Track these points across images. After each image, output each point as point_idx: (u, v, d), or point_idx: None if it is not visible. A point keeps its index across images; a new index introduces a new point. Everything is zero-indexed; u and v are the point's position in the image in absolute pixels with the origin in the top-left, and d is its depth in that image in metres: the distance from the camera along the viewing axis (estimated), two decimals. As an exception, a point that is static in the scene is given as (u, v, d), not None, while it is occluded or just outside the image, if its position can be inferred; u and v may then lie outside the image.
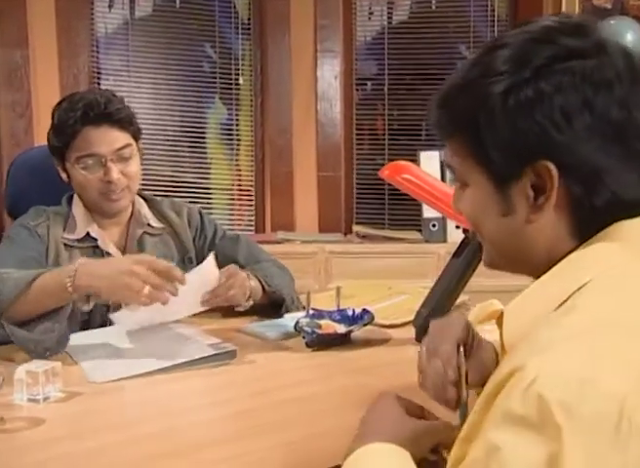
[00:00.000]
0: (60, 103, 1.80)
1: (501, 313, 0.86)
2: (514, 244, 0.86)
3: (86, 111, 1.71)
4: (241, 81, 3.83)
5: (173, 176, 3.75)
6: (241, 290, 1.69)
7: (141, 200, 1.90)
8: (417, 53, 3.79)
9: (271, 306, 1.82)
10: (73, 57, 3.46)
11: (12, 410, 1.20)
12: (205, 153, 3.84)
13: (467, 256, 1.56)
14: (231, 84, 3.82)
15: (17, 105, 3.37)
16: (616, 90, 0.78)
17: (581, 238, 0.81)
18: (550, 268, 0.82)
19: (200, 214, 1.98)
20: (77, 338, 1.60)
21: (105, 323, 1.69)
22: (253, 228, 3.87)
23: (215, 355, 1.46)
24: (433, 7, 3.81)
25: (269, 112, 3.83)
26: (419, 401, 1.05)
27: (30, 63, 3.38)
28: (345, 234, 3.78)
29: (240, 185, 3.90)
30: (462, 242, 1.58)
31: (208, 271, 1.65)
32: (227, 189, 3.90)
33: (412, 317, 1.63)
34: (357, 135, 3.93)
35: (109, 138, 1.74)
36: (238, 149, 3.88)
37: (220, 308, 1.77)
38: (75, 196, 1.85)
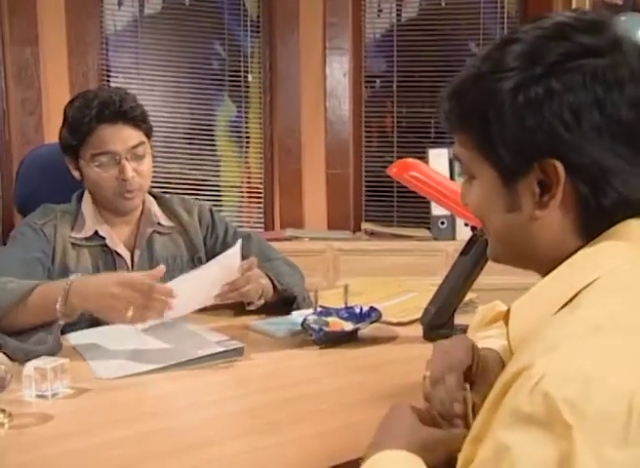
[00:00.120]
0: (72, 101, 1.79)
1: (508, 310, 0.87)
2: (519, 240, 0.86)
3: (101, 109, 1.72)
4: (250, 79, 3.83)
5: (182, 174, 3.75)
6: (256, 285, 1.70)
7: (151, 198, 1.90)
8: (426, 50, 3.78)
9: (281, 304, 1.82)
10: (83, 54, 3.46)
11: (20, 407, 1.21)
12: (214, 151, 3.84)
13: (475, 254, 1.56)
14: (240, 82, 3.82)
15: (27, 103, 3.38)
16: (627, 89, 0.78)
17: (587, 237, 0.81)
18: (556, 266, 0.82)
19: (211, 212, 1.98)
20: (85, 335, 1.61)
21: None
22: (262, 226, 3.87)
23: (222, 352, 1.46)
24: (443, 4, 3.79)
25: (278, 110, 3.83)
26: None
27: (40, 61, 3.38)
28: (354, 231, 3.78)
29: (249, 183, 3.91)
30: (470, 240, 1.59)
31: (232, 261, 1.64)
32: (236, 187, 3.89)
33: (420, 315, 1.64)
34: (366, 132, 3.92)
35: (124, 136, 1.74)
36: (247, 147, 3.88)
37: (232, 306, 1.78)
38: (85, 194, 1.85)
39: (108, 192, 1.77)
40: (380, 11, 3.87)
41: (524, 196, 0.82)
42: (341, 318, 1.65)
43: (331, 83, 3.79)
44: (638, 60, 0.80)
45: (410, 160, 1.75)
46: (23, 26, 3.33)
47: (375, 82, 3.92)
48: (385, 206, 3.90)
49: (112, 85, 3.55)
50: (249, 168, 3.90)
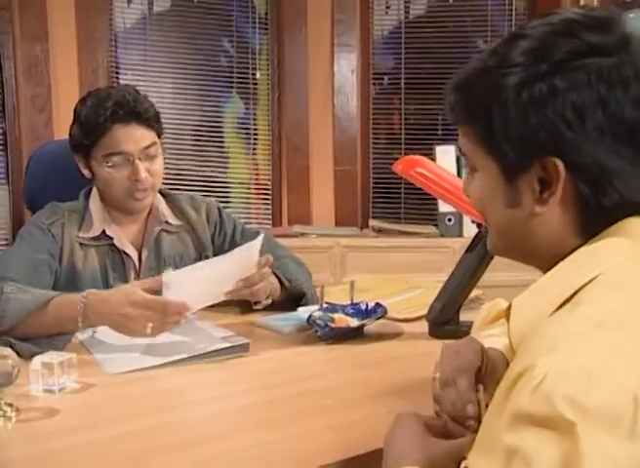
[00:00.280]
0: (84, 100, 1.78)
1: (509, 307, 0.87)
2: (518, 235, 0.86)
3: (116, 109, 1.71)
4: (258, 75, 3.84)
5: (190, 171, 3.76)
6: (266, 284, 1.70)
7: (159, 196, 1.89)
8: (433, 47, 3.78)
9: (288, 300, 1.83)
10: (92, 51, 3.48)
11: (27, 401, 1.22)
12: (222, 147, 3.84)
13: (480, 251, 1.56)
14: (248, 78, 3.83)
15: (37, 99, 3.39)
16: (632, 88, 0.78)
17: (588, 234, 0.81)
18: (557, 263, 0.82)
19: (219, 209, 1.97)
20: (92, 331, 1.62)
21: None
22: (270, 222, 3.88)
23: (228, 348, 1.47)
24: (450, 1, 3.79)
25: (286, 106, 3.84)
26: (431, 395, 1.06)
27: (50, 58, 3.40)
28: (361, 228, 3.79)
29: (257, 179, 3.91)
30: (476, 236, 1.59)
31: (251, 255, 1.63)
32: (244, 183, 3.90)
33: (425, 311, 1.64)
34: (374, 129, 3.92)
35: (137, 137, 1.74)
36: (255, 143, 3.89)
37: (238, 302, 1.78)
38: (93, 191, 1.84)
39: (119, 192, 1.76)
40: (387, 8, 3.87)
41: (524, 192, 0.82)
42: (347, 314, 1.65)
43: (339, 80, 3.80)
44: None
45: (415, 156, 1.75)
46: (34, 23, 3.35)
47: (382, 79, 3.93)
48: (393, 203, 3.90)
49: (121, 82, 3.57)
50: (257, 164, 3.91)
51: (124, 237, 1.82)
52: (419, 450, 0.90)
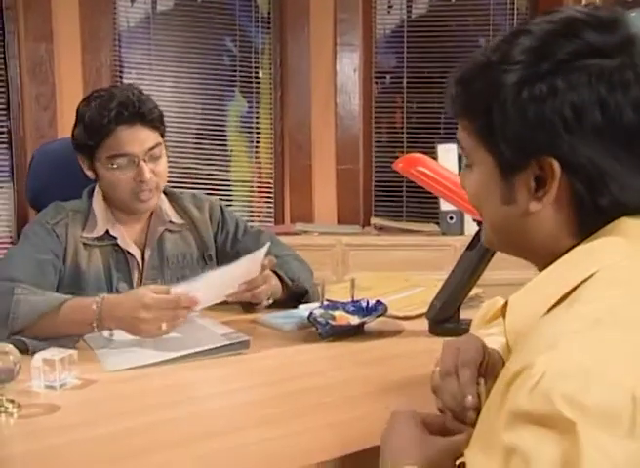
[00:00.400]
0: (87, 101, 1.76)
1: (506, 304, 0.87)
2: (514, 232, 0.86)
3: (120, 111, 1.69)
4: (261, 74, 3.84)
5: (193, 169, 3.77)
6: (268, 286, 1.71)
7: (162, 195, 1.88)
8: (436, 46, 3.78)
9: (290, 299, 1.83)
10: (96, 50, 3.49)
11: (29, 397, 1.23)
12: (225, 146, 3.85)
13: (481, 249, 1.56)
14: (251, 77, 3.84)
15: (41, 98, 3.41)
16: (632, 91, 0.77)
17: (583, 234, 0.81)
18: (553, 261, 0.82)
19: (221, 208, 1.97)
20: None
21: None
22: (272, 220, 3.89)
23: (228, 345, 1.48)
24: (452, 0, 3.80)
25: (289, 105, 3.84)
26: (431, 393, 1.06)
27: (55, 57, 3.41)
28: (363, 226, 3.79)
29: (260, 178, 3.92)
30: (477, 234, 1.59)
31: (255, 262, 1.65)
32: (247, 181, 3.91)
33: (426, 309, 1.64)
34: (376, 128, 3.93)
35: (142, 138, 1.72)
36: (258, 142, 3.90)
37: (240, 302, 1.78)
38: (96, 190, 1.84)
39: (124, 194, 1.76)
40: (390, 7, 3.87)
41: (520, 189, 0.82)
42: (348, 312, 1.65)
43: (341, 79, 3.80)
44: None
45: (416, 155, 1.75)
46: (38, 22, 3.36)
47: (385, 78, 3.93)
48: (395, 201, 3.91)
49: (125, 81, 3.58)
50: (259, 163, 3.91)
51: (127, 237, 1.82)
52: (416, 449, 0.89)
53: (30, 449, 1.07)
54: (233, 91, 3.83)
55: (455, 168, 3.32)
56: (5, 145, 3.43)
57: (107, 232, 1.79)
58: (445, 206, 3.36)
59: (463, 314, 1.61)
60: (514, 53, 0.80)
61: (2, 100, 3.41)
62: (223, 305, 1.69)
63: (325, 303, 1.69)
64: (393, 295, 1.87)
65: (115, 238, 1.79)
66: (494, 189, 0.85)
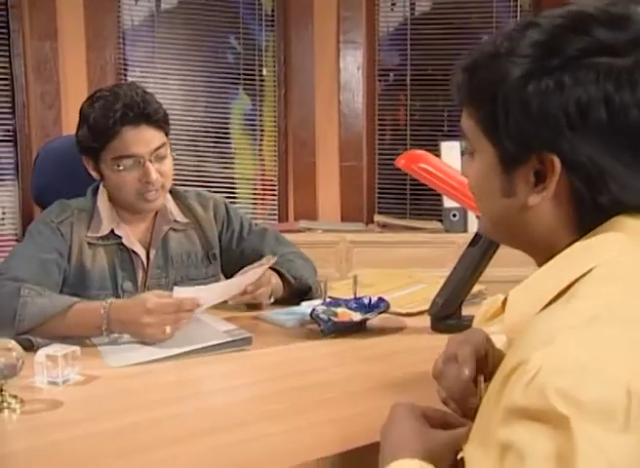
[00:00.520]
0: (90, 101, 1.75)
1: (505, 299, 0.87)
2: (511, 225, 0.86)
3: (125, 112, 1.68)
4: (265, 72, 3.85)
5: (197, 167, 3.78)
6: (267, 288, 1.72)
7: (167, 194, 1.87)
8: (439, 43, 3.77)
9: (293, 296, 1.84)
10: (101, 49, 3.49)
11: (32, 393, 1.23)
12: (229, 144, 3.86)
13: (483, 246, 1.56)
14: (255, 75, 3.84)
15: (46, 96, 3.41)
16: (639, 91, 0.76)
17: (582, 230, 0.81)
18: (552, 257, 0.82)
19: (226, 206, 1.97)
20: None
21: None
22: (276, 218, 3.90)
23: (230, 342, 1.49)
24: (455, -3, 3.80)
25: (293, 103, 3.85)
26: (432, 389, 1.06)
27: (59, 55, 3.42)
28: (367, 223, 3.79)
29: (263, 175, 3.92)
30: (479, 231, 1.59)
31: (257, 273, 1.67)
32: (251, 179, 3.92)
33: (428, 306, 1.64)
34: (379, 125, 3.93)
35: (147, 138, 1.72)
36: (262, 140, 3.90)
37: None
38: (101, 189, 1.84)
39: (130, 194, 1.75)
40: (393, 4, 3.87)
41: (519, 183, 0.82)
42: (350, 308, 1.66)
43: (345, 76, 3.81)
44: None
45: (418, 151, 1.76)
46: (43, 21, 3.37)
47: (388, 75, 3.93)
48: (398, 198, 3.91)
49: (129, 79, 3.59)
50: (263, 160, 3.92)
51: (132, 236, 1.81)
52: (417, 441, 0.89)
53: (33, 445, 1.07)
54: (237, 88, 3.84)
55: (458, 165, 3.31)
56: (10, 143, 3.44)
57: (112, 231, 1.79)
58: (448, 203, 3.36)
59: (466, 311, 1.61)
60: (522, 45, 0.79)
61: (7, 99, 3.41)
62: (226, 303, 1.70)
63: (327, 300, 1.70)
64: (396, 292, 1.88)
65: (120, 237, 1.79)
66: (494, 181, 0.85)
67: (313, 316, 1.60)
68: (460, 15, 3.78)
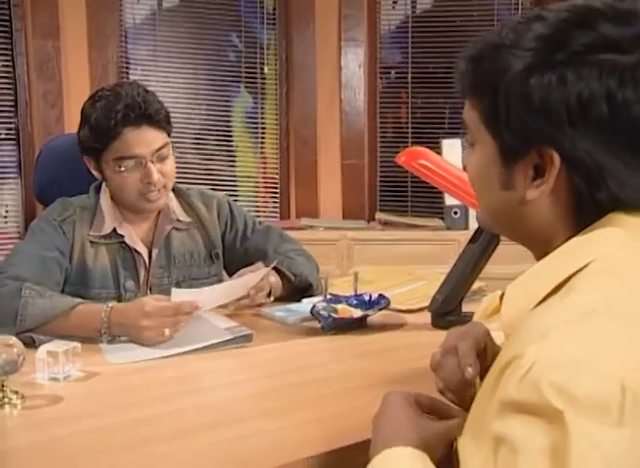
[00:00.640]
0: (93, 103, 1.73)
1: (503, 294, 0.87)
2: (510, 218, 0.86)
3: (127, 113, 1.67)
4: (266, 70, 3.85)
5: (199, 165, 3.78)
6: (264, 292, 1.74)
7: (170, 193, 1.86)
8: (440, 41, 3.77)
9: (294, 293, 1.84)
10: (103, 47, 3.50)
11: (33, 389, 1.24)
12: (230, 142, 3.86)
13: (483, 242, 1.57)
14: (257, 73, 3.84)
15: (48, 95, 3.42)
16: None
17: (579, 226, 0.81)
18: (549, 252, 0.82)
19: (229, 205, 1.97)
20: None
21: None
22: (277, 215, 3.90)
23: (231, 339, 1.49)
24: (457, -5, 3.80)
25: (294, 101, 3.85)
26: (430, 385, 1.07)
27: (61, 54, 3.43)
28: (368, 221, 3.79)
29: (265, 173, 3.93)
30: (479, 228, 1.59)
31: (256, 278, 1.68)
32: (253, 177, 3.92)
33: (429, 302, 1.65)
34: (381, 123, 3.93)
35: (149, 139, 1.71)
36: (263, 138, 3.91)
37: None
38: (104, 188, 1.83)
39: (132, 195, 1.75)
40: (394, 2, 3.86)
41: (518, 177, 0.82)
42: (351, 305, 1.66)
43: (346, 74, 3.81)
44: None
45: (419, 148, 1.76)
46: (45, 20, 3.38)
47: (389, 73, 3.93)
48: (400, 196, 3.91)
49: (131, 77, 3.60)
50: (265, 158, 3.92)
51: (135, 235, 1.81)
52: (411, 430, 0.89)
53: (34, 440, 1.08)
54: (239, 87, 3.84)
55: (459, 163, 3.31)
56: (13, 142, 3.45)
57: (114, 230, 1.79)
58: (450, 201, 3.36)
59: (466, 307, 1.62)
60: (527, 38, 0.79)
61: (10, 98, 3.43)
62: (226, 307, 1.71)
63: (328, 297, 1.70)
64: (396, 289, 1.88)
65: (122, 236, 1.79)
66: (493, 173, 0.85)
67: (313, 312, 1.61)
68: (462, 12, 3.77)
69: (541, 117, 0.78)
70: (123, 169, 1.71)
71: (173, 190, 1.88)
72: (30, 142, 3.44)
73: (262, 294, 1.73)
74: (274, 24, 3.85)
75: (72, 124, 3.20)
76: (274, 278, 1.79)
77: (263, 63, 3.85)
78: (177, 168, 1.82)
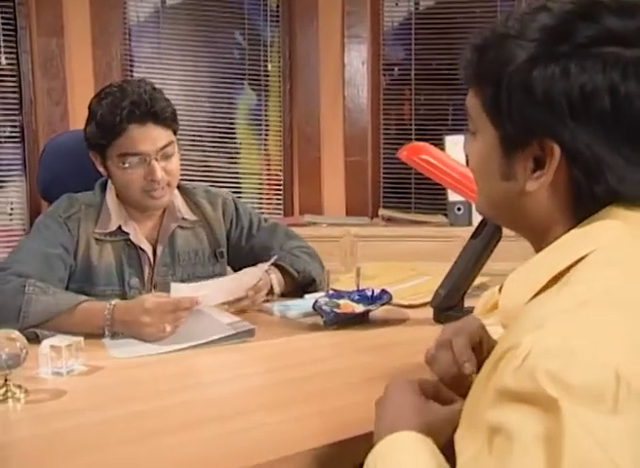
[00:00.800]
0: (100, 99, 1.74)
1: (501, 287, 0.88)
2: (509, 208, 0.87)
3: (132, 110, 1.67)
4: (270, 67, 3.86)
5: (202, 162, 3.79)
6: (263, 294, 1.75)
7: (176, 191, 1.87)
8: (444, 38, 3.76)
9: (297, 289, 1.85)
10: (106, 45, 3.51)
11: (36, 383, 1.25)
12: (234, 139, 3.87)
13: (484, 238, 1.57)
14: (260, 70, 3.85)
15: (53, 93, 3.43)
16: None
17: (578, 219, 0.81)
18: (548, 244, 0.82)
19: (235, 203, 1.97)
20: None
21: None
22: (281, 212, 3.91)
23: (233, 334, 1.50)
24: (459, -8, 3.79)
25: (298, 98, 3.85)
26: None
27: (65, 52, 3.44)
28: (372, 218, 3.80)
29: (269, 170, 3.94)
30: (481, 223, 1.60)
31: (255, 277, 1.69)
32: (256, 174, 3.93)
33: (430, 298, 1.65)
34: (384, 120, 3.93)
35: (154, 137, 1.71)
36: (267, 135, 3.91)
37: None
38: (110, 186, 1.83)
39: (136, 192, 1.75)
40: (397, -1, 3.87)
41: (519, 168, 0.82)
42: (353, 300, 1.67)
43: (349, 71, 3.81)
44: None
45: (420, 143, 1.76)
46: (50, 18, 3.39)
47: (393, 70, 3.93)
48: (403, 192, 3.91)
49: (135, 75, 3.60)
50: (268, 155, 3.93)
51: (140, 233, 1.81)
52: (415, 415, 0.90)
53: (37, 433, 1.09)
54: (242, 84, 3.85)
55: (462, 159, 3.31)
56: (17, 140, 3.47)
57: (120, 228, 1.79)
58: (453, 197, 3.36)
59: (468, 302, 1.62)
60: (532, 29, 0.79)
61: (14, 95, 3.44)
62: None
63: (330, 292, 1.71)
64: (399, 285, 1.89)
65: (127, 234, 1.79)
66: (494, 163, 0.85)
67: (316, 308, 1.61)
68: (465, 9, 3.76)
69: (543, 109, 0.78)
70: (127, 165, 1.72)
71: (178, 188, 1.88)
72: (35, 140, 3.45)
73: (261, 295, 1.73)
74: (278, 22, 3.85)
75: (77, 121, 3.22)
76: (275, 275, 1.79)
77: (267, 61, 3.85)
78: (181, 165, 1.82)
